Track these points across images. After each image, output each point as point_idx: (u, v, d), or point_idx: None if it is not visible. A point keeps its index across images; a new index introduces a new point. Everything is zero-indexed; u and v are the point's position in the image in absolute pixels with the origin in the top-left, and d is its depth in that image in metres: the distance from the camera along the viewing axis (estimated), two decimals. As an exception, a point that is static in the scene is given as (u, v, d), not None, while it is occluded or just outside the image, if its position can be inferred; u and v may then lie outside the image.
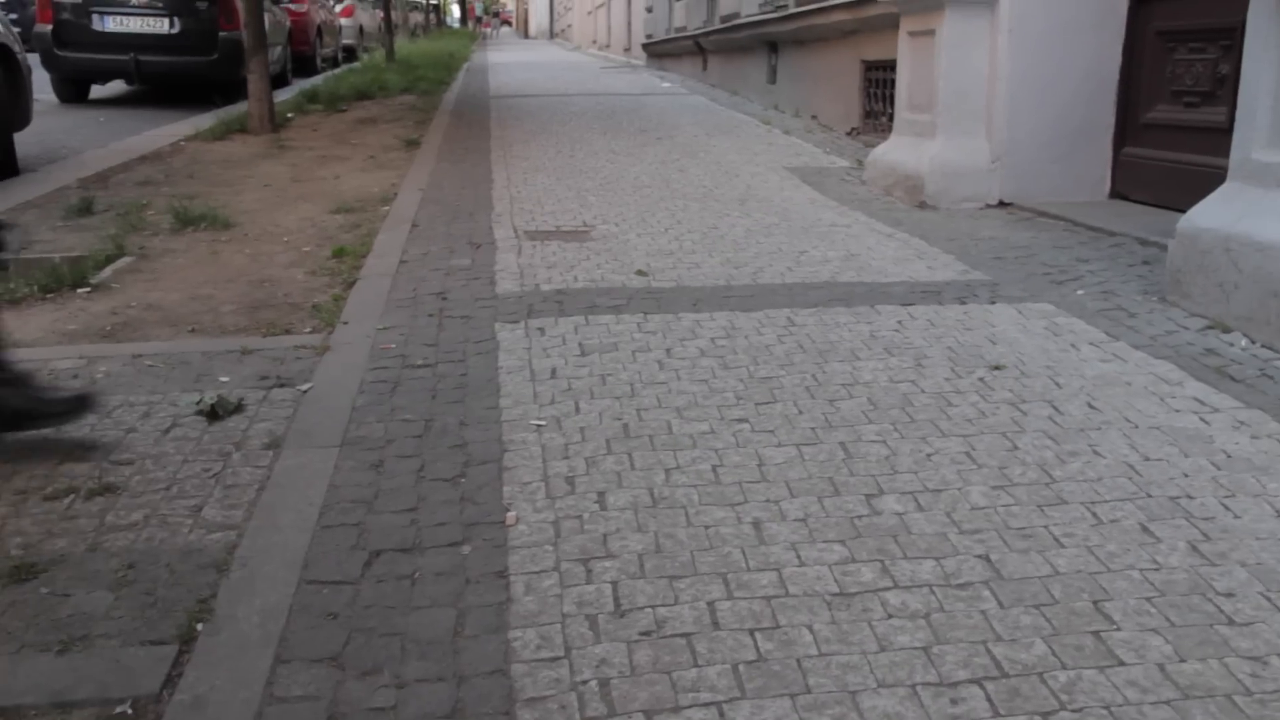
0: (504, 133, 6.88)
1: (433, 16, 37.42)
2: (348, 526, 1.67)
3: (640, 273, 3.23)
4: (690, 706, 1.24)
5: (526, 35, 46.48)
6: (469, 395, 2.21)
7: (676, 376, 2.31)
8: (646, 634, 1.38)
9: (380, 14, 21.23)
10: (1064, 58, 4.34)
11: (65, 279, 3.22)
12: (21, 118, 6.01)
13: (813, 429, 2.03)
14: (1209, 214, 2.77)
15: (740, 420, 2.07)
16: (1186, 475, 1.84)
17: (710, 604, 1.44)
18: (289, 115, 8.15)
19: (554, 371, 2.36)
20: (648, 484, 1.80)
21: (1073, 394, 2.22)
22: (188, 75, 10.09)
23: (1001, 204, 4.46)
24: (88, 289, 3.19)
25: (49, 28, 9.72)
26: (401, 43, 20.76)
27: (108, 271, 3.38)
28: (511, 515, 1.71)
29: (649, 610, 1.43)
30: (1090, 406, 2.15)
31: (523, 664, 1.33)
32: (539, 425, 2.05)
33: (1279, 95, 2.60)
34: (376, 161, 5.70)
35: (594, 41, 24.46)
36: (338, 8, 18.88)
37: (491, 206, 4.33)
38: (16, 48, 5.89)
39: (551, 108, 8.64)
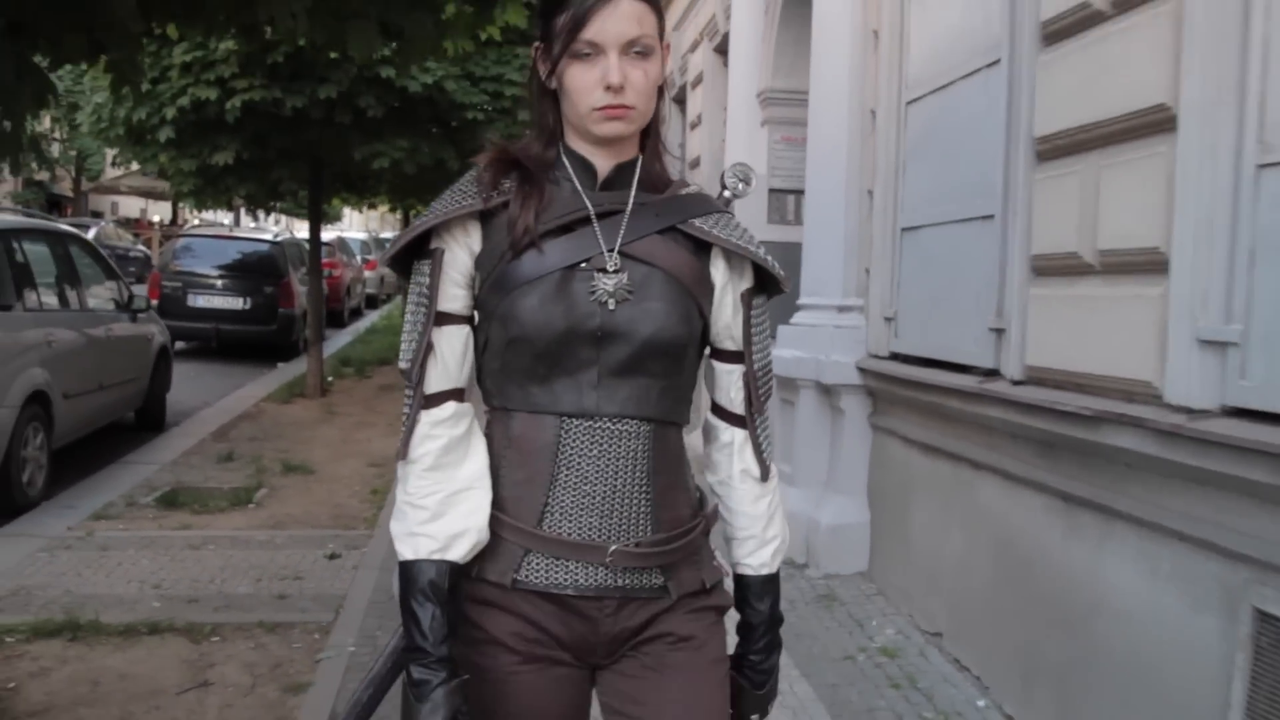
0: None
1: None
2: (384, 591, 5.44)
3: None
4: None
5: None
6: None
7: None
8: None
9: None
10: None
11: (241, 499, 7.09)
12: (168, 386, 10.04)
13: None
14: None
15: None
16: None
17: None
18: (330, 379, 12.14)
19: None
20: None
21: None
22: (253, 341, 14.25)
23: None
24: (253, 504, 7.05)
25: (155, 302, 13.94)
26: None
27: (259, 495, 7.26)
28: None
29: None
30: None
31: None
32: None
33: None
34: (393, 429, 9.64)
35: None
36: (363, 263, 23.45)
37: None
38: (169, 344, 9.98)
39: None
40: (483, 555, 1.72)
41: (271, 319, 14.19)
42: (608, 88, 1.64)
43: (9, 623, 4.82)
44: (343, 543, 6.25)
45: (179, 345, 15.04)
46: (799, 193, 7.90)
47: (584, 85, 1.66)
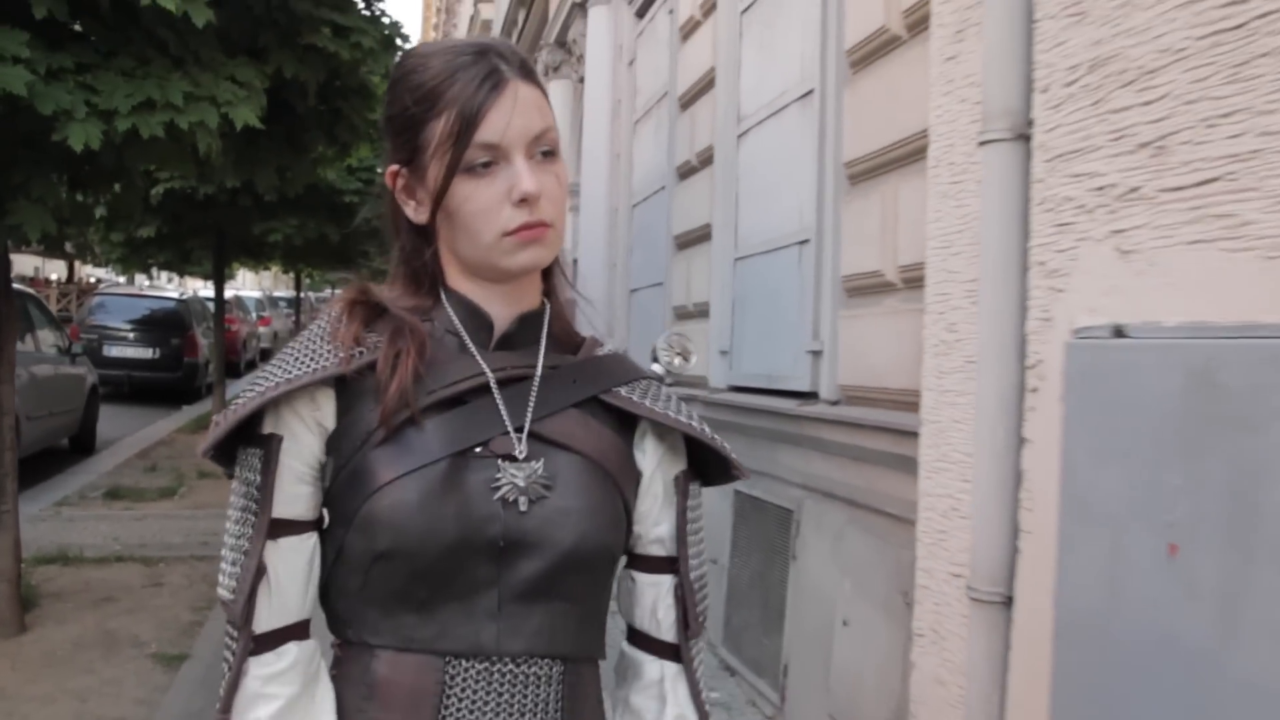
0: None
1: (339, 307, 44.85)
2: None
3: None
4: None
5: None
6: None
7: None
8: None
9: (291, 318, 28.25)
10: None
11: (168, 493, 9.53)
12: (96, 416, 12.39)
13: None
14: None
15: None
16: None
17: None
18: (231, 416, 14.56)
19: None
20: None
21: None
22: (160, 386, 16.54)
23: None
24: (177, 496, 9.49)
25: (74, 353, 16.19)
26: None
27: (181, 490, 9.71)
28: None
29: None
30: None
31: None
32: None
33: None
34: (284, 448, 12.13)
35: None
36: (257, 319, 25.73)
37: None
38: (98, 383, 12.34)
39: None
40: None
41: (177, 367, 16.52)
42: (522, 200, 1.21)
43: (18, 557, 7.24)
44: (246, 515, 8.73)
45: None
46: (592, 262, 10.62)
47: (485, 205, 1.22)
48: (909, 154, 3.73)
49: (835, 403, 4.37)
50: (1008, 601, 2.88)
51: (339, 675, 1.30)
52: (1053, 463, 2.68)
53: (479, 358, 1.29)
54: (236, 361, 21.71)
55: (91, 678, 5.18)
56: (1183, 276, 2.32)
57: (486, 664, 1.25)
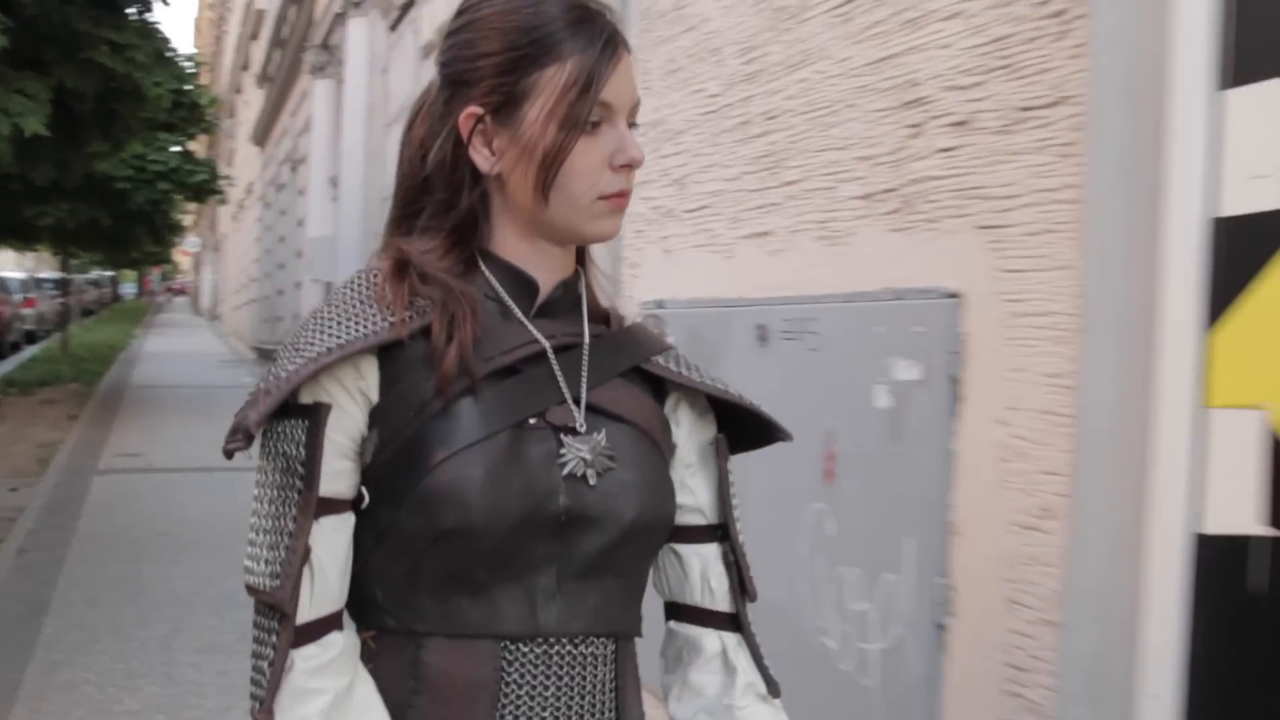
0: (127, 410, 13.87)
1: (108, 290, 43.81)
2: (45, 510, 8.62)
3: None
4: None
5: (197, 311, 52.85)
6: (80, 491, 9.20)
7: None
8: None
9: (57, 300, 27.80)
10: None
11: (-60, 462, 10.00)
12: None
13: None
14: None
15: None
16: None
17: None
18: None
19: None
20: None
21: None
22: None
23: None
24: (-50, 465, 9.98)
25: None
26: (74, 329, 26.89)
27: (-47, 461, 10.18)
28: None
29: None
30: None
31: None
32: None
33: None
34: (56, 427, 12.59)
35: (235, 332, 31.94)
36: (22, 301, 25.29)
37: (103, 443, 11.31)
38: None
39: (158, 396, 15.74)
40: None
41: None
42: (625, 165, 1.18)
43: None
44: (19, 484, 9.34)
45: None
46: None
47: (589, 164, 1.17)
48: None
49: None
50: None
51: (375, 668, 1.18)
52: (628, 394, 3.90)
53: (528, 325, 1.22)
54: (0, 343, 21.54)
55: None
56: (690, 268, 3.57)
57: (545, 646, 1.18)
